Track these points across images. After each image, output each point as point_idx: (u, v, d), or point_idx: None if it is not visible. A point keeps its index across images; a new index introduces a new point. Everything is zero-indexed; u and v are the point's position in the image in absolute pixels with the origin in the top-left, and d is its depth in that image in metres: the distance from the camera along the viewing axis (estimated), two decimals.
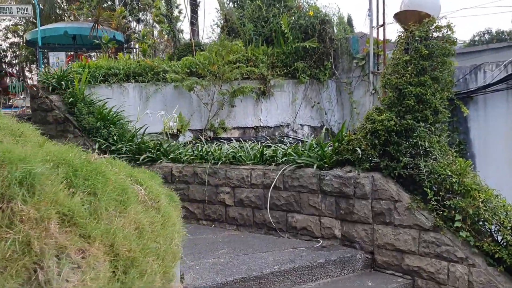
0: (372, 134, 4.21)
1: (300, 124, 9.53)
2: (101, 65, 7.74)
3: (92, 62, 7.73)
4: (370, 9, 9.05)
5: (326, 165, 4.61)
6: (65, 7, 24.19)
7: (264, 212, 4.89)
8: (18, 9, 13.19)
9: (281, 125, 9.17)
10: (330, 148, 4.81)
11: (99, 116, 6.51)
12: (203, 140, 8.00)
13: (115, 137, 6.29)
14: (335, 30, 9.76)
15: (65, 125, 6.68)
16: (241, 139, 8.50)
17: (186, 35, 15.71)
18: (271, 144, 5.58)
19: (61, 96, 6.85)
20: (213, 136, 8.37)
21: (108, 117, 6.53)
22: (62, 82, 6.89)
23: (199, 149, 5.67)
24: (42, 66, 13.91)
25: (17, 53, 28.89)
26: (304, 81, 9.16)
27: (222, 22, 10.37)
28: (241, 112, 8.60)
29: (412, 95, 4.19)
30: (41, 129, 6.52)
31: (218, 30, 10.78)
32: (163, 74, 7.85)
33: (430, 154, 4.13)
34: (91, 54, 16.52)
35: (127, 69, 7.85)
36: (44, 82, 7.01)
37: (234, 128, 8.58)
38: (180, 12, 16.44)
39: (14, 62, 30.26)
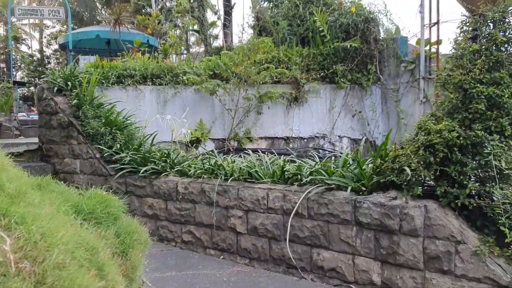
0: (426, 149, 3.13)
1: (339, 136, 8.42)
2: (115, 65, 7.02)
3: (106, 63, 7.03)
4: (421, 5, 7.87)
5: (364, 188, 3.55)
6: (106, 13, 24.25)
7: (283, 245, 3.87)
8: (50, 11, 12.92)
9: (316, 136, 8.11)
10: (370, 165, 3.74)
11: (105, 121, 5.73)
12: (230, 149, 7.10)
13: (119, 145, 5.48)
14: (381, 30, 8.62)
15: (69, 130, 5.95)
16: (269, 150, 7.54)
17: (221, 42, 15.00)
18: (297, 159, 4.55)
19: (68, 98, 6.14)
20: (237, 146, 7.44)
21: (116, 122, 5.73)
22: (69, 82, 6.18)
23: (210, 162, 4.74)
24: None
25: (60, 59, 29.36)
26: (344, 87, 8.06)
27: (253, 21, 9.48)
28: (269, 120, 7.63)
29: (482, 97, 3.08)
30: (46, 134, 5.80)
31: (250, 31, 9.90)
32: (183, 76, 7.02)
33: (508, 179, 2.99)
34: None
35: (144, 70, 7.09)
36: (50, 82, 6.34)
37: (261, 138, 7.62)
38: (215, 13, 15.79)
39: (57, 68, 30.87)
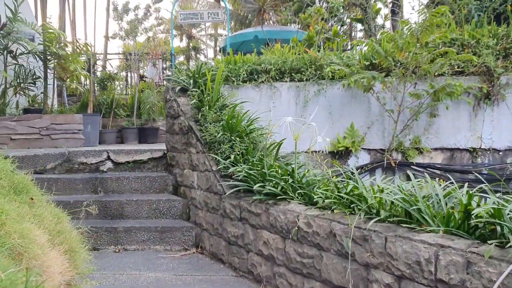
0: None
1: None
2: (249, 59, 5.90)
3: (239, 57, 5.96)
4: None
5: None
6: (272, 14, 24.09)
7: None
8: (209, 14, 12.76)
9: None
10: None
11: (224, 126, 4.60)
12: (392, 163, 5.37)
13: (237, 155, 4.27)
14: None
15: (188, 136, 5.00)
16: (448, 167, 5.53)
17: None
18: (490, 187, 2.63)
19: (190, 98, 5.22)
20: (401, 159, 5.61)
21: (236, 127, 4.55)
22: (191, 81, 5.26)
23: (347, 188, 3.12)
24: None
25: None
26: None
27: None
28: (447, 125, 5.58)
29: None
30: (170, 140, 4.98)
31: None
32: (327, 68, 5.51)
33: None
34: None
35: (282, 64, 5.81)
36: (174, 82, 5.53)
37: (435, 149, 5.62)
38: (383, 3, 13.87)
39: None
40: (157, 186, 5.25)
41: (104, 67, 11.70)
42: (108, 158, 5.60)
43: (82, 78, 10.10)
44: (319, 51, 6.06)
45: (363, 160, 5.68)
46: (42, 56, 8.38)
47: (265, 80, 5.69)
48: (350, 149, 5.59)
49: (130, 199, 4.92)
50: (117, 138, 10.90)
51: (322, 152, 4.93)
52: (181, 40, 34.09)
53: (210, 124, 4.73)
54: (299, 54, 6.07)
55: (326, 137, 5.62)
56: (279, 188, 3.60)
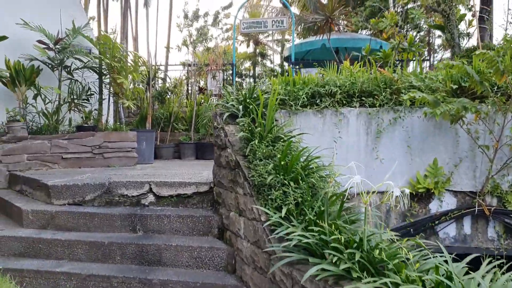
0: None
1: None
2: (310, 80, 5.08)
3: (298, 77, 5.15)
4: None
5: None
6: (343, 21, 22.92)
7: None
8: (274, 22, 12.06)
9: None
10: None
11: (277, 165, 3.82)
12: (485, 210, 4.35)
13: (290, 205, 3.47)
14: None
15: (235, 173, 4.28)
16: None
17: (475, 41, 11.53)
18: None
19: (239, 128, 4.50)
20: (497, 205, 4.52)
21: (292, 168, 3.76)
22: (240, 107, 4.54)
23: (438, 272, 2.22)
24: None
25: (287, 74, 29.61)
26: None
27: None
28: None
29: None
30: (217, 173, 4.32)
31: None
32: (406, 94, 4.55)
33: None
34: None
35: (350, 86, 4.93)
36: (223, 107, 4.84)
37: None
38: (469, 10, 12.40)
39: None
40: (201, 228, 4.58)
41: (164, 79, 11.37)
42: (150, 190, 5.02)
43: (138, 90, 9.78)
44: (395, 70, 5.10)
45: (448, 205, 4.64)
46: (97, 70, 8.11)
47: (329, 105, 4.85)
48: (432, 190, 4.58)
49: (170, 243, 4.29)
50: (174, 153, 10.51)
51: (402, 193, 4.03)
52: (248, 45, 33.78)
53: (260, 161, 3.97)
54: (370, 73, 5.14)
55: (403, 175, 4.67)
56: (341, 265, 2.75)
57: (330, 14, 7.32)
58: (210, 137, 10.36)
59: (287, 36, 30.10)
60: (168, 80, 11.59)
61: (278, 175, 3.73)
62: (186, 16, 13.41)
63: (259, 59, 33.55)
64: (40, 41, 7.36)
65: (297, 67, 12.39)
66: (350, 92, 4.92)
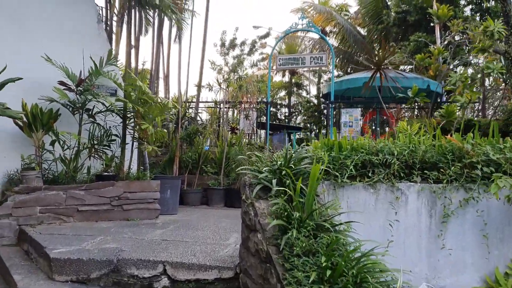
0: None
1: None
2: (359, 145, 4.22)
3: (344, 141, 4.29)
4: None
5: None
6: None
7: None
8: (312, 58, 11.33)
9: None
10: None
11: (321, 267, 2.96)
12: None
13: None
14: None
15: (266, 269, 3.42)
16: None
17: None
18: None
19: (271, 206, 3.68)
20: None
21: (340, 271, 2.89)
22: (274, 180, 3.72)
23: None
24: (332, 128, 11.55)
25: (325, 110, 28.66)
26: None
27: None
28: None
29: None
30: (244, 257, 3.49)
31: None
32: (482, 170, 3.63)
33: None
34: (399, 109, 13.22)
35: (409, 155, 4.04)
36: (253, 175, 4.04)
37: None
38: None
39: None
40: None
41: (194, 118, 10.75)
42: (165, 272, 4.24)
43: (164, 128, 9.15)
44: (464, 137, 4.18)
45: None
46: (121, 114, 7.52)
47: (384, 178, 3.96)
48: None
49: None
50: (202, 198, 9.78)
51: None
52: (283, 75, 33.28)
53: (298, 258, 3.12)
54: (433, 139, 4.23)
55: (477, 270, 3.71)
56: None
57: (380, 64, 6.41)
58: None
59: (324, 68, 29.43)
60: (198, 119, 10.96)
61: (321, 285, 2.86)
62: (223, 45, 12.99)
63: (295, 89, 32.91)
64: (61, 82, 6.84)
65: (336, 105, 11.55)
66: (409, 162, 4.03)
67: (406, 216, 3.90)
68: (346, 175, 3.99)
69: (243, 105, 10.21)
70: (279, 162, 3.87)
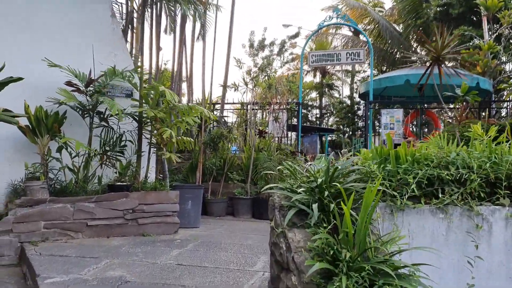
0: None
1: None
2: (424, 155, 3.26)
3: (404, 150, 3.32)
4: None
5: None
6: (423, 52, 20.66)
7: None
8: (348, 54, 10.34)
9: None
10: None
11: None
12: None
13: None
14: None
15: None
16: None
17: None
18: None
19: (308, 238, 2.77)
20: None
21: None
22: (314, 204, 2.81)
23: None
24: (371, 131, 10.51)
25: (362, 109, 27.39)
26: None
27: None
28: None
29: None
30: None
31: None
32: None
33: None
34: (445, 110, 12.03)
35: (492, 168, 3.06)
36: (284, 195, 3.14)
37: None
38: None
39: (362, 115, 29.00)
40: None
41: (218, 121, 9.93)
42: None
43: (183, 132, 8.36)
44: None
45: None
46: (137, 117, 6.77)
47: (457, 199, 2.99)
48: None
49: None
50: (227, 208, 8.94)
51: None
52: (314, 75, 32.19)
53: None
54: None
55: None
56: None
57: (439, 54, 5.37)
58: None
59: (358, 67, 28.15)
60: (224, 122, 10.14)
61: None
62: (251, 46, 12.24)
63: (326, 90, 31.77)
64: (68, 83, 6.14)
65: (377, 106, 10.49)
66: (490, 178, 3.04)
67: (490, 252, 2.91)
68: (407, 195, 3.04)
69: (272, 106, 9.31)
70: (319, 180, 2.96)
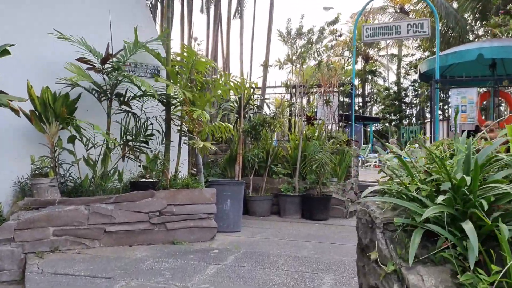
0: None
1: None
2: None
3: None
4: None
5: None
6: (482, 30, 18.66)
7: None
8: (410, 26, 8.82)
9: None
10: None
11: None
12: None
13: None
14: None
15: None
16: None
17: None
18: None
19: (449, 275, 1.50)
20: None
21: None
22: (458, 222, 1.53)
23: None
24: (438, 111, 8.99)
25: (419, 91, 25.52)
26: None
27: None
28: None
29: None
30: None
31: None
32: None
33: None
34: None
35: None
36: (390, 206, 1.87)
37: None
38: None
39: (414, 102, 27.11)
40: None
41: (260, 107, 8.70)
42: None
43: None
44: None
45: None
46: (164, 100, 5.62)
47: None
48: None
49: None
50: (272, 207, 7.71)
51: None
52: (356, 62, 30.43)
53: None
54: None
55: None
56: None
57: None
58: (323, 186, 7.39)
59: (404, 50, 26.22)
60: (265, 107, 8.89)
61: None
62: (288, 33, 11.09)
63: (370, 77, 29.95)
64: (81, 59, 5.05)
65: (445, 86, 8.95)
66: None
67: None
68: None
69: (323, 88, 7.98)
70: (458, 176, 1.66)
